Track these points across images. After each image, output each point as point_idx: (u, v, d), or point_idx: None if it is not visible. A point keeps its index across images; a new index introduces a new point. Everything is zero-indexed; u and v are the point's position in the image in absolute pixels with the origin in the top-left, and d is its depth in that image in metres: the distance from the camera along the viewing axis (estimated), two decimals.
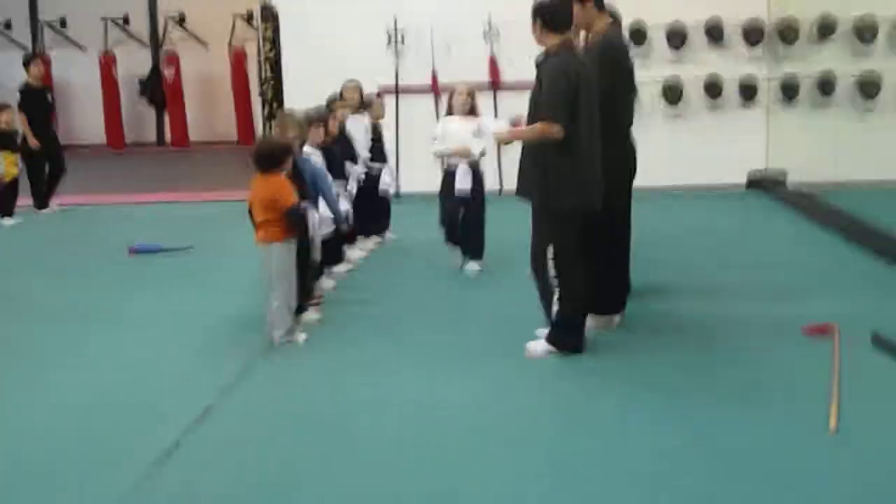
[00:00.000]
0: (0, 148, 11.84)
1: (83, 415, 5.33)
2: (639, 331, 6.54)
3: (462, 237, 8.39)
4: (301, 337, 6.49)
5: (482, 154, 8.27)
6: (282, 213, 6.31)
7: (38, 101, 12.60)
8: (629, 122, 6.74)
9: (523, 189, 6.08)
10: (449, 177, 8.33)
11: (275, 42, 13.28)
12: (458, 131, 8.20)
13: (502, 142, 6.72)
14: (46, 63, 13.13)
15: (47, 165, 12.63)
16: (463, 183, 8.17)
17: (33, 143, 12.25)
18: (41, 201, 12.64)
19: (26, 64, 12.88)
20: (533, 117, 5.93)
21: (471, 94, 8.31)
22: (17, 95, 12.65)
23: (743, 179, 12.95)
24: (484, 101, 12.59)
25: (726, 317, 6.84)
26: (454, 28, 12.80)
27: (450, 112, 8.35)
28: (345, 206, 8.15)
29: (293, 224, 6.36)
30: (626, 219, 6.78)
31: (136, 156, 20.76)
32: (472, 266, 8.32)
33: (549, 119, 5.77)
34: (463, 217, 8.31)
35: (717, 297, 7.43)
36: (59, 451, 4.81)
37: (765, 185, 12.70)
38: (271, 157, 6.39)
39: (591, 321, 6.38)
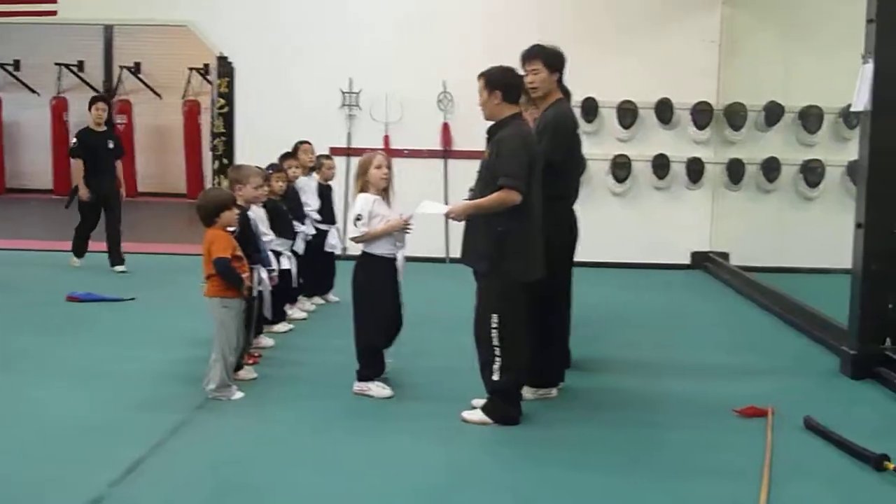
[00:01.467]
0: None
1: (7, 464, 5.18)
2: (575, 405, 6.53)
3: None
4: (237, 394, 6.43)
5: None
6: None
7: (96, 146, 11.65)
8: (574, 196, 6.83)
9: (469, 256, 6.08)
10: (386, 267, 6.62)
11: (229, 97, 13.29)
12: (391, 213, 6.65)
13: (459, 218, 6.05)
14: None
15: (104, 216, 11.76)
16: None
17: (83, 195, 11.55)
18: (116, 257, 11.72)
19: (90, 106, 11.97)
20: (485, 184, 5.92)
21: (390, 168, 6.73)
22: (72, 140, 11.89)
23: (686, 259, 13.11)
24: (435, 168, 12.88)
25: (662, 394, 6.88)
26: (409, 93, 12.92)
27: (363, 189, 6.61)
28: (286, 264, 8.16)
29: (220, 276, 6.30)
30: (566, 292, 6.84)
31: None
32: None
33: (510, 186, 5.77)
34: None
35: (653, 373, 7.47)
36: None
37: (707, 265, 12.86)
38: (207, 210, 6.39)
39: (528, 393, 6.40)
